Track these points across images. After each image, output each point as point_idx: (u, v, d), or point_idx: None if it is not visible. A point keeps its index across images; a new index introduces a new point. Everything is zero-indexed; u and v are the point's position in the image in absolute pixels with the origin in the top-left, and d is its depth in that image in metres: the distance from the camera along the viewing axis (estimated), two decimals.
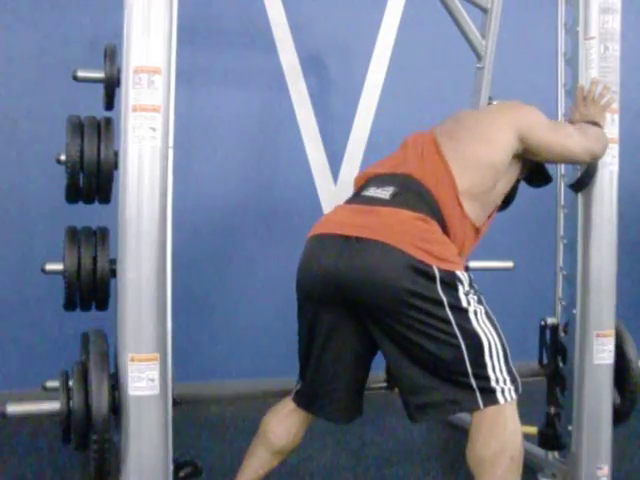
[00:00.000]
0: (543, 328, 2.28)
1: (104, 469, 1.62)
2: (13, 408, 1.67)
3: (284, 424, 1.83)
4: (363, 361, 1.77)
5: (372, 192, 1.71)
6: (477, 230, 1.78)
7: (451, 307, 1.58)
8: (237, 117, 3.10)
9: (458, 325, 1.58)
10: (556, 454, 2.27)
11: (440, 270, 1.57)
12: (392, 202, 1.64)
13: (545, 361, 2.29)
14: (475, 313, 1.61)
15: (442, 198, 1.68)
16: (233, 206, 3.11)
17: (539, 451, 2.29)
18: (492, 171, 1.75)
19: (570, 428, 2.14)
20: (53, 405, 1.66)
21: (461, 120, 1.88)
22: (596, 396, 2.10)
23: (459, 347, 1.58)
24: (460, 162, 1.71)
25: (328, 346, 1.71)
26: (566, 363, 2.19)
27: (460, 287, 1.60)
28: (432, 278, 1.56)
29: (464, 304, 1.60)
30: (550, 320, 2.27)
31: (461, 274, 1.61)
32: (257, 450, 1.85)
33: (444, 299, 1.57)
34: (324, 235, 1.68)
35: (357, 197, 1.76)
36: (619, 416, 2.15)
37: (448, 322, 1.58)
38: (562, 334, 2.23)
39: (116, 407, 1.66)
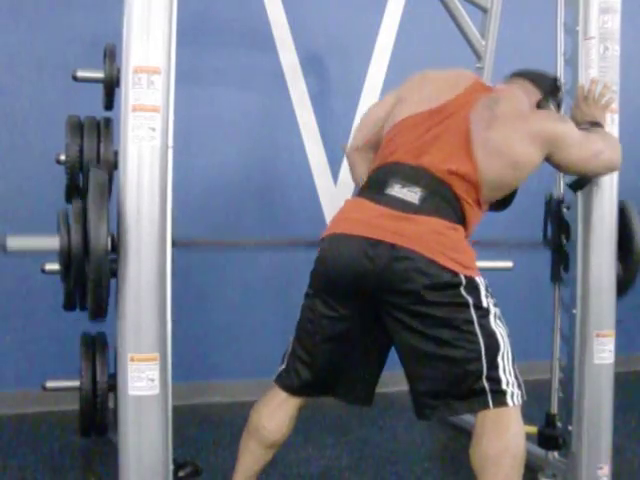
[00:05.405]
0: (548, 203, 2.27)
1: (101, 302, 1.62)
2: (13, 242, 1.64)
3: (276, 418, 1.82)
4: (378, 353, 1.80)
5: (397, 191, 1.70)
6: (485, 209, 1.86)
7: (475, 307, 1.64)
8: (237, 117, 3.10)
9: (480, 325, 1.64)
10: (556, 454, 2.27)
11: (465, 277, 1.64)
12: (424, 209, 1.68)
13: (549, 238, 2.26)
14: (494, 315, 1.67)
15: (467, 204, 1.74)
16: (233, 206, 3.11)
17: (539, 451, 2.29)
18: (512, 188, 1.86)
19: (570, 428, 2.14)
20: (53, 240, 1.63)
21: (499, 122, 1.77)
22: (596, 396, 2.10)
23: (478, 345, 1.62)
24: (488, 178, 1.74)
25: (344, 337, 1.74)
26: (569, 240, 2.17)
27: (481, 290, 1.67)
28: (458, 284, 1.64)
29: (485, 304, 1.66)
30: (555, 194, 2.25)
31: (479, 279, 1.68)
32: (250, 446, 1.84)
33: (469, 300, 1.64)
34: (353, 236, 1.68)
35: (381, 195, 1.72)
36: (621, 288, 2.15)
37: (471, 322, 1.63)
38: (565, 210, 2.21)
39: (114, 245, 1.64)
